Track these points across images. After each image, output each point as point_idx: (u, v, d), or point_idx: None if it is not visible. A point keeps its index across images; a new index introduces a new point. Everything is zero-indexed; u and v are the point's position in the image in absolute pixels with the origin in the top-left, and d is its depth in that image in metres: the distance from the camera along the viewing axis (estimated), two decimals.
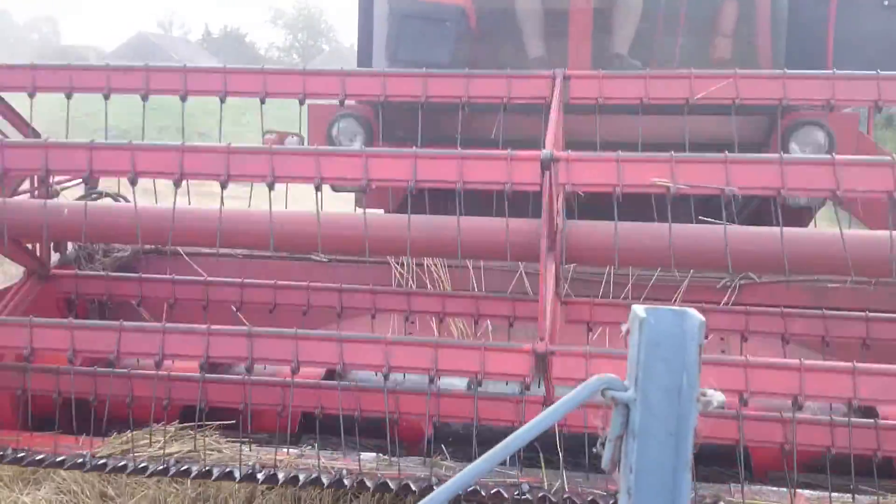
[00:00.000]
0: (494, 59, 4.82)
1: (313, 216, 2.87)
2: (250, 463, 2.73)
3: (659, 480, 1.42)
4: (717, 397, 1.42)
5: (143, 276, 3.54)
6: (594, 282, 3.62)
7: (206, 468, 2.71)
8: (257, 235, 2.95)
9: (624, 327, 1.47)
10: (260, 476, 2.68)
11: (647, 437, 1.41)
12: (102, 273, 3.65)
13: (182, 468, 2.74)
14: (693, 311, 1.42)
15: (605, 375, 1.44)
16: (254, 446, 2.88)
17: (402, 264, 3.78)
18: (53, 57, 57.42)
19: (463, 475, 1.44)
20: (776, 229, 2.66)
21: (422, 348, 2.55)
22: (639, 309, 1.43)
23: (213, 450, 2.88)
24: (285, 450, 2.88)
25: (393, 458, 2.78)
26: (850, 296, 3.50)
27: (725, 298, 3.57)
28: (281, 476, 2.66)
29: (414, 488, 2.58)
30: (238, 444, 2.83)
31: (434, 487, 2.48)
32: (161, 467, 2.75)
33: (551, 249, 2.65)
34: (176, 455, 2.80)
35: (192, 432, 2.89)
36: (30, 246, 3.47)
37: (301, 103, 3.25)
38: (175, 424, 2.95)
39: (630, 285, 3.58)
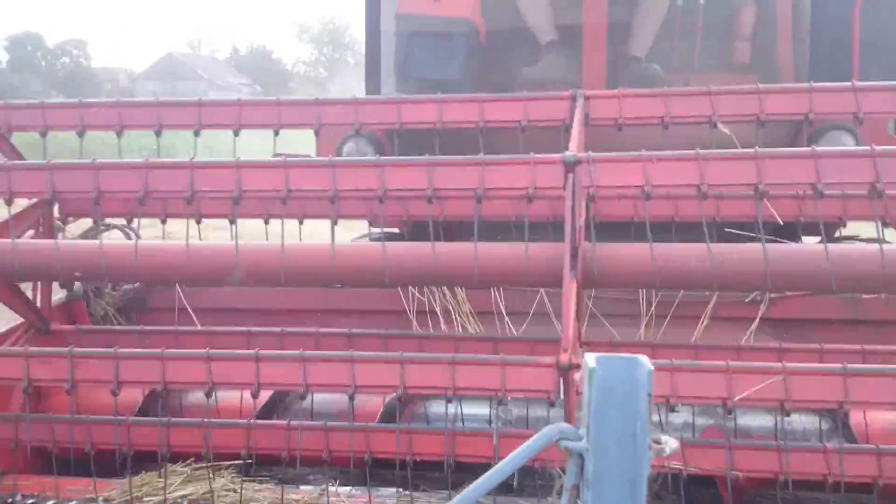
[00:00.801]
0: (507, 70, 4.79)
1: (327, 247, 2.79)
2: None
3: None
4: (670, 444, 1.43)
5: (146, 328, 3.45)
6: (620, 300, 3.52)
7: None
8: (269, 271, 2.85)
9: None
10: None
11: (601, 486, 1.42)
12: (103, 328, 3.61)
13: None
14: (643, 358, 1.43)
15: (560, 425, 1.46)
16: (270, 485, 2.81)
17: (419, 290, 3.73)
18: (84, 79, 58.91)
19: None
20: (816, 246, 2.58)
21: (437, 365, 2.50)
22: (590, 358, 1.44)
23: (229, 490, 2.88)
24: (303, 487, 2.83)
25: (415, 494, 2.74)
26: (886, 308, 3.40)
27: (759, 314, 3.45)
28: None
29: None
30: (254, 484, 2.76)
31: None
32: None
33: (574, 267, 2.54)
34: (190, 497, 2.80)
35: (207, 473, 2.87)
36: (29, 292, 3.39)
37: (316, 134, 3.27)
38: (192, 464, 2.94)
39: (654, 304, 3.49)
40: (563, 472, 1.46)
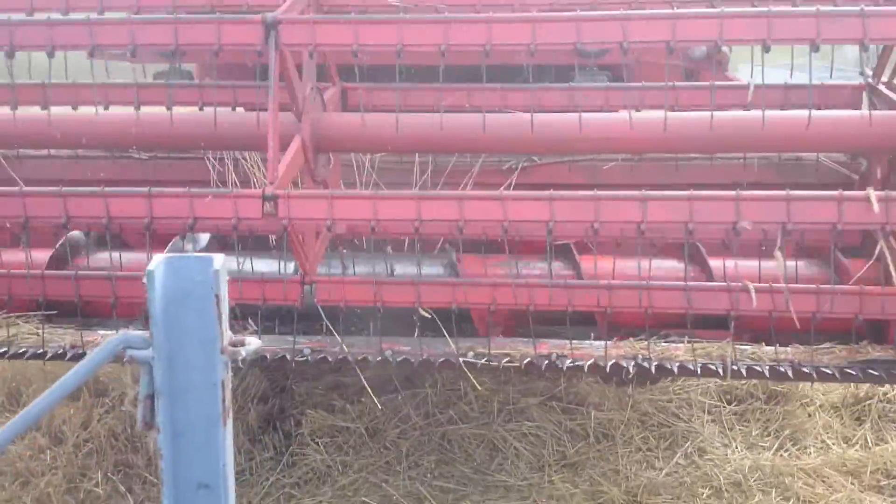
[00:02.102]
0: None
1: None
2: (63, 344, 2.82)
3: (195, 436, 1.34)
4: (250, 345, 1.33)
5: None
6: (398, 170, 3.48)
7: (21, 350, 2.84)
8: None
9: None
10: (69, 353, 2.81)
11: (173, 394, 1.31)
12: None
13: None
14: (214, 258, 1.29)
15: (127, 333, 1.31)
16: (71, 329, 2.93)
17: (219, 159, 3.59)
18: None
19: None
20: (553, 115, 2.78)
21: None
22: (156, 259, 1.28)
23: (32, 334, 2.94)
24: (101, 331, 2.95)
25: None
26: (621, 173, 3.56)
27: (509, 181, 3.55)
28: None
29: None
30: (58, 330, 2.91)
31: None
32: None
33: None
34: None
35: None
36: None
37: None
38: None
39: (429, 171, 3.47)
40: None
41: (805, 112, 2.74)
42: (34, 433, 3.81)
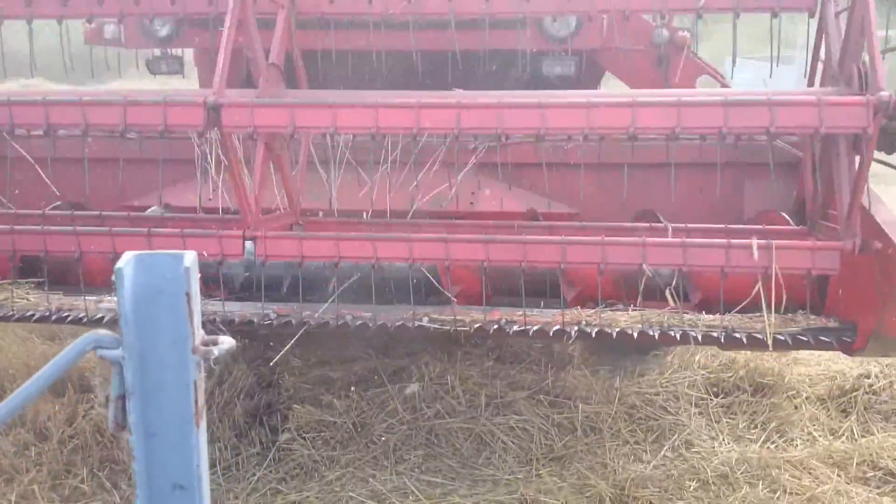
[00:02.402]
0: None
1: None
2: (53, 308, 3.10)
3: (168, 437, 1.32)
4: (223, 344, 1.31)
5: None
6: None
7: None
8: None
9: None
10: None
11: (144, 394, 1.29)
12: None
13: None
14: (186, 253, 1.27)
15: (97, 332, 1.29)
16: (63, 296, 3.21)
17: None
18: None
19: None
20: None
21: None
22: (126, 256, 1.26)
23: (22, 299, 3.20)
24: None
25: None
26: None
27: None
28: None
29: None
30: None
31: None
32: None
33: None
34: None
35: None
36: None
37: None
38: None
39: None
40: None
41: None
42: (19, 429, 3.78)
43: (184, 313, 1.26)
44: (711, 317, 2.94)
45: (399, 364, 4.46)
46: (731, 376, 4.47)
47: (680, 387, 4.39)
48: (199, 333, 1.29)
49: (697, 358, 4.66)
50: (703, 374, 4.52)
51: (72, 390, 3.95)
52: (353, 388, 4.20)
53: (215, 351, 1.29)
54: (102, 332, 1.28)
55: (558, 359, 4.66)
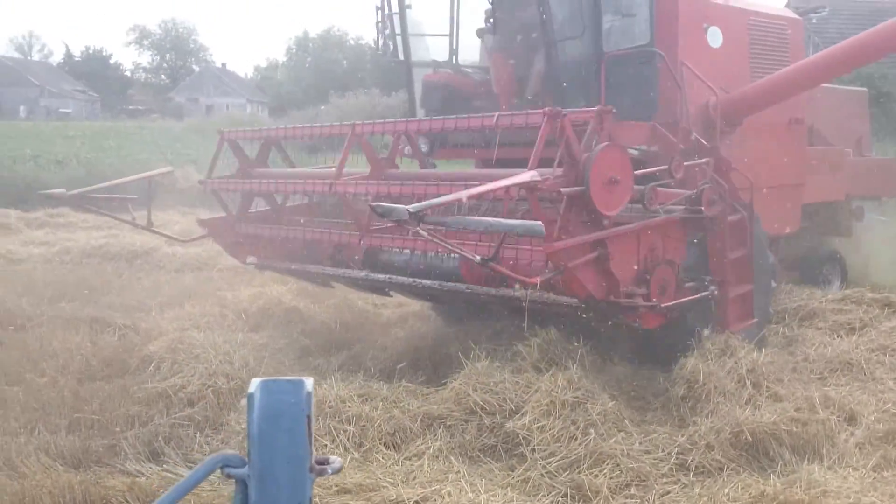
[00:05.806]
0: None
1: None
2: None
3: None
4: (335, 464, 1.46)
5: None
6: None
7: None
8: None
9: None
10: None
11: None
12: None
13: None
14: (305, 382, 1.44)
15: (224, 452, 1.44)
16: None
17: None
18: None
19: None
20: None
21: None
22: (253, 383, 1.43)
23: None
24: None
25: None
26: None
27: None
28: None
29: None
30: None
31: None
32: None
33: None
34: None
35: None
36: None
37: None
38: None
39: None
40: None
41: None
42: None
43: (303, 435, 1.41)
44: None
45: None
46: None
47: None
48: (313, 454, 1.44)
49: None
50: None
51: None
52: None
53: (329, 470, 1.43)
54: (230, 451, 1.43)
55: None
